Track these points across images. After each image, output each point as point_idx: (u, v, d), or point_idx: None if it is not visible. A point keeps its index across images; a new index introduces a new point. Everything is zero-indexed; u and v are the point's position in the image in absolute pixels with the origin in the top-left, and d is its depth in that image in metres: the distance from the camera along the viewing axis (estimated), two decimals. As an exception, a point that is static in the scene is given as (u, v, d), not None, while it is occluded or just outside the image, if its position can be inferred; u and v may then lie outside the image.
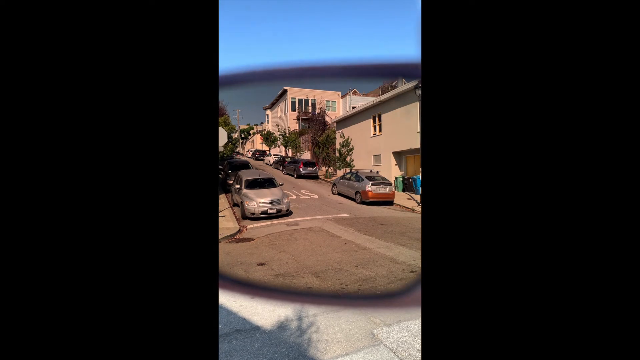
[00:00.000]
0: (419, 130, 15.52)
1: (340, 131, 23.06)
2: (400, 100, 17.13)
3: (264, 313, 4.41)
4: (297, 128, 27.89)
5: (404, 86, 17.01)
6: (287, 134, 30.51)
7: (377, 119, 19.75)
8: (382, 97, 18.88)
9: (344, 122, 23.04)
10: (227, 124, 23.78)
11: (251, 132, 43.90)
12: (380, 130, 19.61)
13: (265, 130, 36.93)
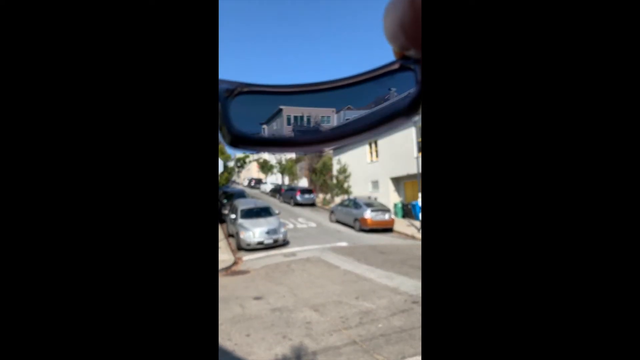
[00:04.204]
0: (415, 155, 15.67)
1: (337, 157, 23.27)
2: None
3: (260, 352, 4.26)
4: (294, 155, 28.29)
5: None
6: (284, 162, 30.97)
7: (373, 145, 19.90)
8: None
9: (341, 147, 23.36)
10: (222, 153, 24.29)
11: (247, 160, 44.80)
12: (377, 156, 19.70)
13: (261, 158, 37.57)
